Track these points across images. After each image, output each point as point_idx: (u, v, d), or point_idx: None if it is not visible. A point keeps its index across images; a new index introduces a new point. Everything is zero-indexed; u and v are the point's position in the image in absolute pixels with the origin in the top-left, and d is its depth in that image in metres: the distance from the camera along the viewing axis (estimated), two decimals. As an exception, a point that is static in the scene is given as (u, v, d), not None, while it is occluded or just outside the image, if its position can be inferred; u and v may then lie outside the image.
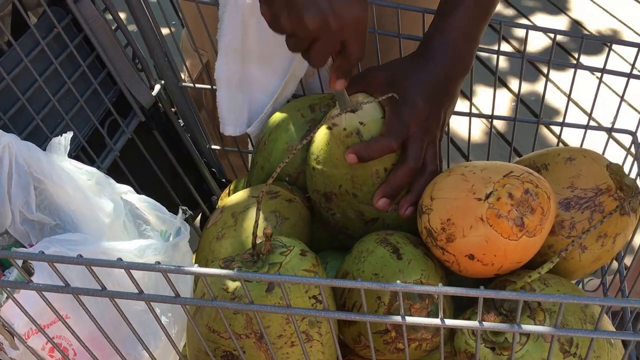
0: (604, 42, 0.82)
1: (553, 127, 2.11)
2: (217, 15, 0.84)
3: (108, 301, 0.55)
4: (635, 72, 0.82)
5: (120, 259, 0.51)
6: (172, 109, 0.98)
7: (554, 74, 2.30)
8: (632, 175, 0.74)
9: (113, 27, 0.87)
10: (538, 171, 0.69)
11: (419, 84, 0.74)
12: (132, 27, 0.91)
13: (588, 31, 2.58)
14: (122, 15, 0.91)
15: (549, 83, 2.12)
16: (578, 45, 0.79)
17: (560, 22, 2.62)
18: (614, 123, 0.87)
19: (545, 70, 2.26)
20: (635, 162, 0.79)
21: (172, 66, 0.96)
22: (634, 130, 0.83)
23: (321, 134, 0.73)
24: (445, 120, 0.76)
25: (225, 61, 0.84)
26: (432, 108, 0.73)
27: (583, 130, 0.88)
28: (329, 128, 0.72)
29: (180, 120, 1.01)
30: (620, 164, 0.71)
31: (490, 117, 0.90)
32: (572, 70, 0.86)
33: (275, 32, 0.68)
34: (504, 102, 2.27)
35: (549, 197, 0.60)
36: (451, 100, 0.76)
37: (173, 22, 1.01)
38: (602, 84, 0.86)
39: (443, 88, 0.75)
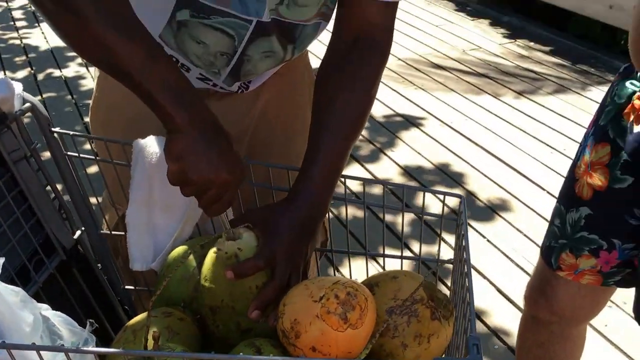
0: (457, 196, 1.05)
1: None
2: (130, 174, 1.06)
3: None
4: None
5: (34, 343, 0.68)
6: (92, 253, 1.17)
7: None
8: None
9: (44, 184, 1.08)
10: (371, 287, 0.90)
11: (285, 223, 0.96)
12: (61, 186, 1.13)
13: (481, 201, 2.91)
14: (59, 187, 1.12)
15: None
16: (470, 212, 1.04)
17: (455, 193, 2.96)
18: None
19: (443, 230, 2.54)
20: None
21: (93, 217, 1.16)
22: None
23: (209, 258, 0.93)
24: (307, 251, 0.98)
25: (135, 209, 1.05)
26: (295, 241, 0.95)
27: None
28: (215, 253, 0.93)
29: (99, 264, 1.20)
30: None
31: (400, 258, 1.12)
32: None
33: (175, 184, 0.90)
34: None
35: (367, 299, 0.81)
36: (311, 237, 0.99)
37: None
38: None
39: (304, 227, 0.97)
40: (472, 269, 2.37)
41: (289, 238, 0.94)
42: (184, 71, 1.08)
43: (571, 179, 1.20)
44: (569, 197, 1.20)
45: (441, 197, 1.05)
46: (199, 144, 0.86)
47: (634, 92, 1.04)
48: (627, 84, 1.05)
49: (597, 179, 1.11)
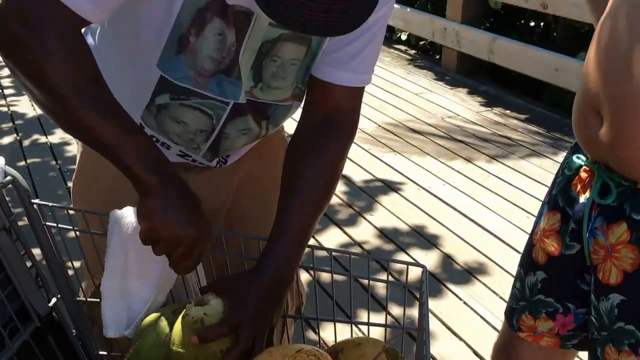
0: (420, 266, 1.10)
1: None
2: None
3: None
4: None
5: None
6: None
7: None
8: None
9: (22, 253, 1.12)
10: (336, 353, 0.94)
11: (251, 291, 1.00)
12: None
13: (458, 264, 2.96)
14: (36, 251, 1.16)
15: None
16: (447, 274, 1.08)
17: (433, 255, 3.00)
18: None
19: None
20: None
21: (69, 285, 1.20)
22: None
23: (178, 322, 0.97)
24: (272, 319, 1.02)
25: (110, 277, 1.09)
26: (261, 309, 0.99)
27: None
28: (183, 317, 0.97)
29: (74, 330, 1.22)
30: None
31: (367, 324, 1.14)
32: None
33: (147, 242, 0.94)
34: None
35: (328, 365, 0.85)
36: (277, 304, 1.03)
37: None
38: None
39: (270, 295, 1.02)
40: (449, 331, 2.42)
41: (254, 305, 0.99)
42: (165, 149, 1.14)
43: (529, 244, 1.26)
44: (527, 261, 1.26)
45: (413, 263, 1.10)
46: (167, 204, 0.92)
47: (581, 166, 1.11)
48: (574, 157, 1.13)
49: (550, 245, 1.17)
